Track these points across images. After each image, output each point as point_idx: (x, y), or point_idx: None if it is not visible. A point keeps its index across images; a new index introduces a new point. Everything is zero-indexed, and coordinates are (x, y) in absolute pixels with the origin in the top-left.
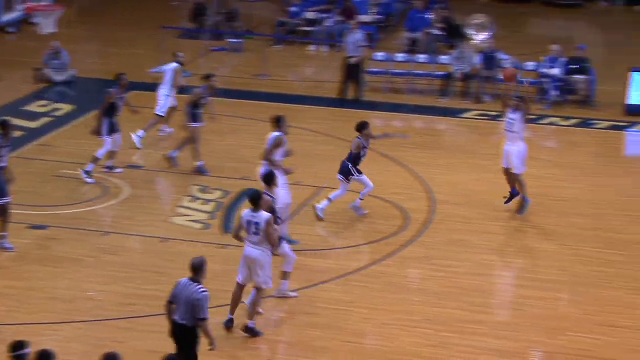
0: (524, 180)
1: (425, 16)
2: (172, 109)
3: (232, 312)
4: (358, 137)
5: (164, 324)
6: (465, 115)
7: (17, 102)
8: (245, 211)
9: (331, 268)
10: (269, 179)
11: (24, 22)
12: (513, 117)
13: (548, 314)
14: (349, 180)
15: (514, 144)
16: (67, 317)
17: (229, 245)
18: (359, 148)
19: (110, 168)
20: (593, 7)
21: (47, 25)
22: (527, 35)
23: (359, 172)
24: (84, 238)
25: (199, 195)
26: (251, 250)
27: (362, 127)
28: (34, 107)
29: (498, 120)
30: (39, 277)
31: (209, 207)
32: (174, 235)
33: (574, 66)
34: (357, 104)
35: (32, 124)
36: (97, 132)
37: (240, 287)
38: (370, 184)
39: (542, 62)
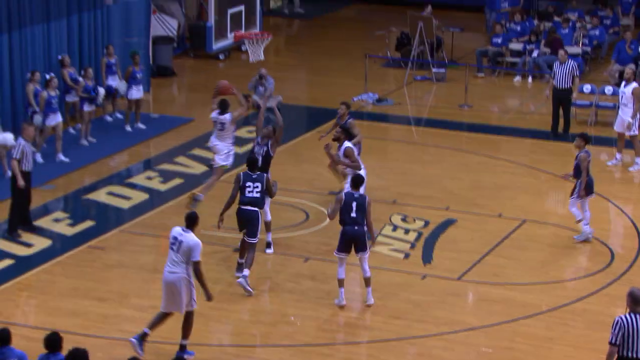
0: None
1: (635, 47)
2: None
3: None
4: None
5: (362, 352)
6: None
7: None
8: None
9: (532, 303)
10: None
11: (234, 50)
12: None
13: None
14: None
15: None
16: (267, 340)
17: (427, 275)
18: None
19: None
20: None
21: (255, 52)
22: None
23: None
24: (285, 262)
25: (400, 224)
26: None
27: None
28: (242, 132)
29: None
30: (242, 301)
31: (409, 236)
32: (376, 264)
33: None
34: (561, 136)
35: (241, 150)
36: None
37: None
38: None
39: None
